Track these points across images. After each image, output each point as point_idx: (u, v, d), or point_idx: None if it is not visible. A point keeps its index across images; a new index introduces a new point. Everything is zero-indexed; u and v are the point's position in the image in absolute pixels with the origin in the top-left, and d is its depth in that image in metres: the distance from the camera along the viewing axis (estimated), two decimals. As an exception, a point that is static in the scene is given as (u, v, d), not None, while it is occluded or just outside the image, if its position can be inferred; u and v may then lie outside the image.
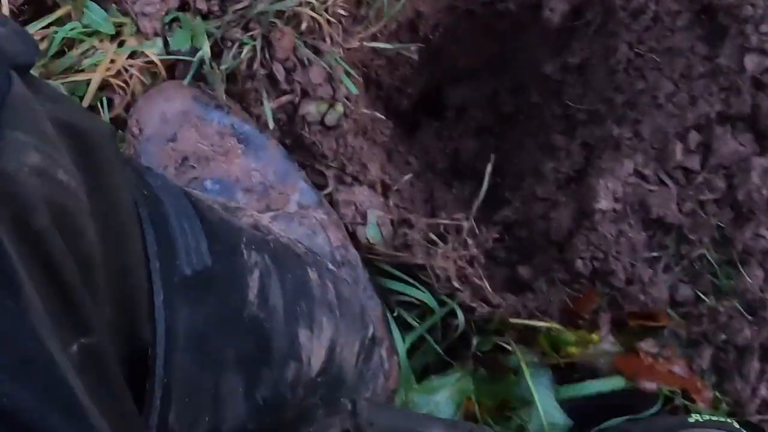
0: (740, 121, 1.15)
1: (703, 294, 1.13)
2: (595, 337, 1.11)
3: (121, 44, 1.09)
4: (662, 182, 1.15)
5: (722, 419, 1.02)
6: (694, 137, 1.15)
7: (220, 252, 0.71)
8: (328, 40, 1.11)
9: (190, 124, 0.95)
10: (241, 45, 1.09)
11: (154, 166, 0.92)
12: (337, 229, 1.00)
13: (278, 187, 0.97)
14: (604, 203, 1.13)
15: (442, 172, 1.32)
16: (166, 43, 1.09)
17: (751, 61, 1.14)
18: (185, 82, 1.06)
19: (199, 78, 1.08)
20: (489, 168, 1.13)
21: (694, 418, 1.01)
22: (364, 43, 1.15)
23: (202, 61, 1.07)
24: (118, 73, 1.09)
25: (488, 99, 1.38)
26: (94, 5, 1.08)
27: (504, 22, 1.31)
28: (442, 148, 1.34)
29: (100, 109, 1.08)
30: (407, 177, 1.17)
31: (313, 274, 0.85)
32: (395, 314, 1.10)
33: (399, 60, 1.27)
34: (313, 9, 1.09)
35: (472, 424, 0.91)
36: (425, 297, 1.10)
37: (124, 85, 1.09)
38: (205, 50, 1.07)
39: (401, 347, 1.11)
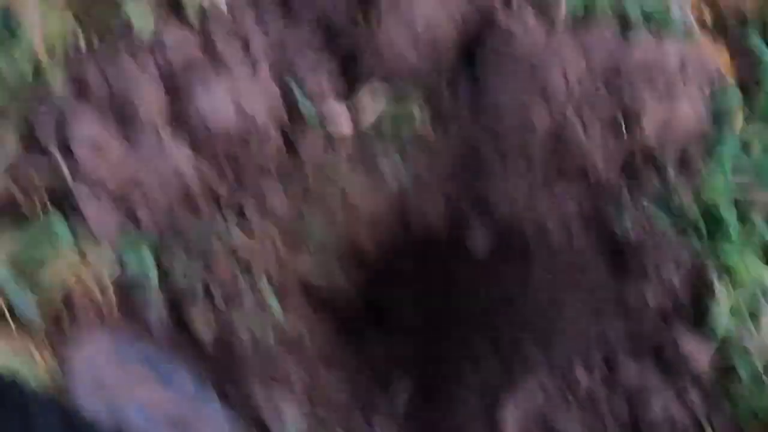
0: (646, 354, 1.36)
1: None
2: None
3: (83, 256, 1.35)
4: (567, 402, 1.35)
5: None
6: (599, 364, 1.35)
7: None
8: (262, 269, 1.39)
9: (111, 362, 1.23)
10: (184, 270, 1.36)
11: (88, 401, 1.20)
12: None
13: (191, 413, 1.23)
14: (509, 420, 1.34)
15: (379, 374, 1.55)
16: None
17: (653, 297, 1.35)
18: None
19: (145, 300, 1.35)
20: (404, 393, 1.36)
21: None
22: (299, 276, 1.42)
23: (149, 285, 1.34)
24: (80, 282, 1.36)
25: (427, 315, 1.63)
26: (60, 220, 1.34)
27: (440, 250, 1.57)
28: (382, 353, 1.59)
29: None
30: (336, 380, 1.41)
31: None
32: None
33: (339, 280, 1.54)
34: (251, 241, 1.38)
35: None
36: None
37: (84, 295, 1.36)
38: (153, 276, 1.35)
39: None
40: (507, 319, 1.44)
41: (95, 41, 1.35)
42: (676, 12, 1.40)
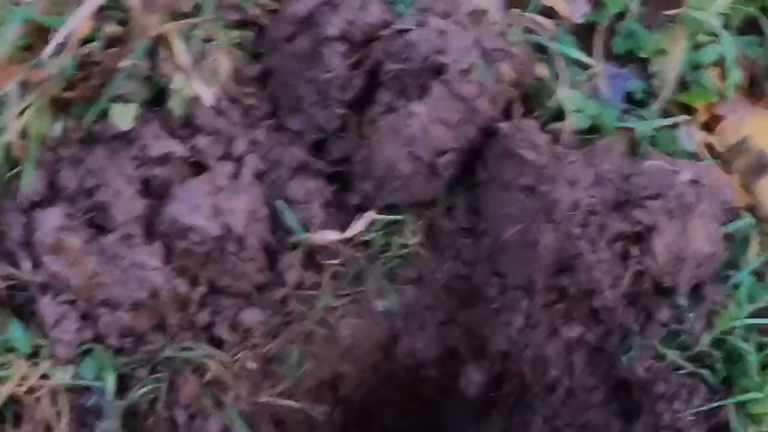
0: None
1: None
2: None
3: (36, 364, 1.22)
4: None
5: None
6: None
7: None
8: (232, 393, 1.25)
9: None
10: (146, 384, 1.22)
11: None
12: None
13: None
14: None
15: None
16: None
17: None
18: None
19: (100, 409, 1.21)
20: None
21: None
22: (273, 399, 1.28)
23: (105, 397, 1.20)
24: (30, 390, 1.21)
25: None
26: (17, 323, 1.23)
27: (428, 387, 1.42)
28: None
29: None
30: None
31: None
32: None
33: (318, 417, 1.38)
34: (220, 361, 1.24)
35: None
36: None
37: (34, 402, 1.21)
38: (109, 383, 1.20)
39: None
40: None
41: (73, 136, 1.26)
42: (683, 137, 1.32)
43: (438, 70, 1.20)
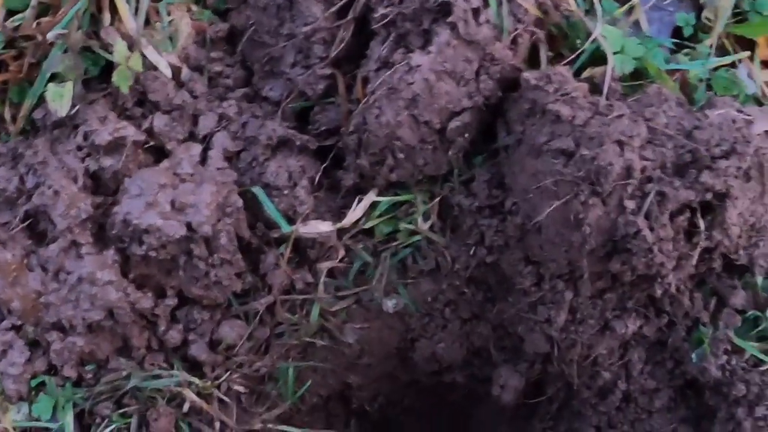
0: None
1: None
2: None
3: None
4: None
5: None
6: None
7: None
8: (217, 423, 0.99)
9: None
10: (112, 421, 0.97)
11: None
12: None
13: None
14: None
15: None
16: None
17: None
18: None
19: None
20: None
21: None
22: (268, 425, 1.01)
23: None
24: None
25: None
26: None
27: (454, 394, 1.15)
28: None
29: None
30: None
31: None
32: None
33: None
34: (198, 390, 0.99)
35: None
36: None
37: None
38: (68, 422, 0.96)
39: None
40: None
41: (11, 128, 1.03)
42: (743, 77, 1.05)
43: (442, 11, 0.92)
